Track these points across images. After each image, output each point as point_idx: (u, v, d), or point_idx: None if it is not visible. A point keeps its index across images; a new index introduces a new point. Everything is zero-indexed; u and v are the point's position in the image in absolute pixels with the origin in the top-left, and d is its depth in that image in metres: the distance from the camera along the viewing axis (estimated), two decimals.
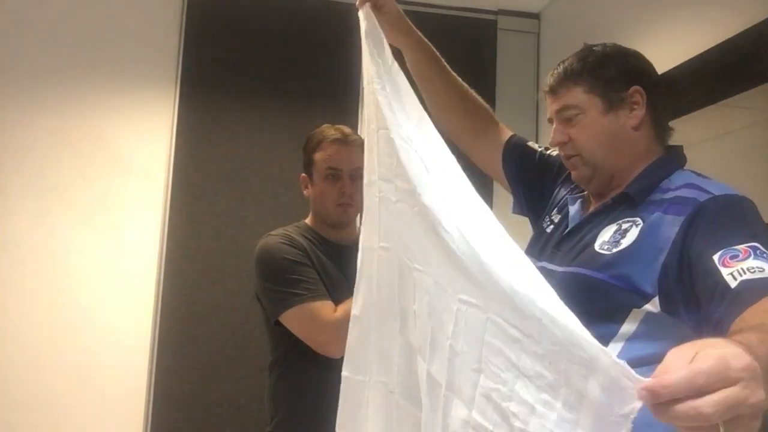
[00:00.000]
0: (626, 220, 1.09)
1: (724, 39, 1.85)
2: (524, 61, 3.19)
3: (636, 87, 1.14)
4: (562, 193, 1.33)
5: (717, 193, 1.02)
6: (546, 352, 0.70)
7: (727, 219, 0.97)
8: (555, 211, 1.30)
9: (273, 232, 1.72)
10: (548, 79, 1.21)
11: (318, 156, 1.72)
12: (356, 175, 1.71)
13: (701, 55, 1.95)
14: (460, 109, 1.46)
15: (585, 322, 0.98)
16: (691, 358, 0.57)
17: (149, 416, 2.72)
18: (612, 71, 1.16)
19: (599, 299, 1.02)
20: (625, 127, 1.14)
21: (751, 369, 0.56)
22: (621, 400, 0.61)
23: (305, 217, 1.83)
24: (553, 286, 1.04)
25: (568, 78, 1.17)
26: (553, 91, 1.19)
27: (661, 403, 0.55)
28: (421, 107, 1.06)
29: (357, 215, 1.80)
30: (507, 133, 1.49)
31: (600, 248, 1.09)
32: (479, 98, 1.50)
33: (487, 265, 0.80)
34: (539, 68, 3.18)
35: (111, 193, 2.81)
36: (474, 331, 0.83)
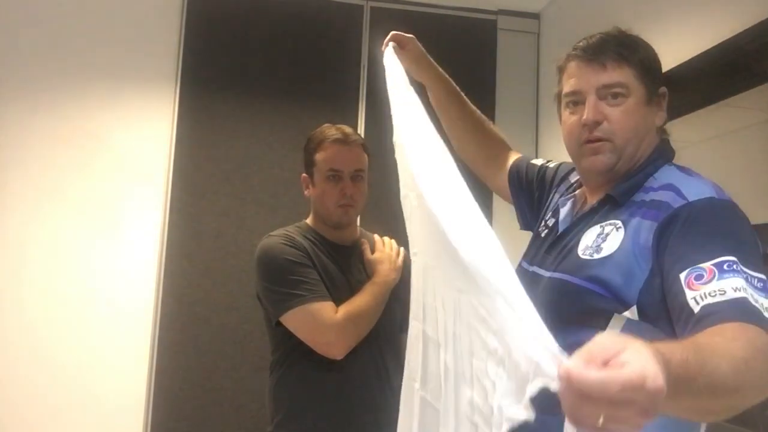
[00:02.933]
0: (609, 222, 1.08)
1: (724, 39, 1.85)
2: (524, 61, 3.19)
3: (664, 89, 1.13)
4: (556, 197, 1.33)
5: (691, 198, 0.99)
6: (498, 327, 0.76)
7: (697, 231, 0.95)
8: (550, 215, 1.30)
9: (274, 233, 1.72)
10: (593, 47, 1.12)
11: (319, 156, 1.71)
12: (357, 176, 1.71)
13: (701, 55, 1.95)
14: (475, 139, 1.53)
15: (567, 327, 0.97)
16: (615, 353, 0.59)
17: (149, 416, 2.72)
18: (656, 65, 1.14)
19: (580, 305, 1.03)
20: (652, 124, 1.13)
21: (658, 394, 0.57)
22: (535, 377, 0.66)
23: (305, 217, 1.82)
24: (540, 291, 1.05)
25: (623, 56, 1.09)
26: (602, 63, 1.09)
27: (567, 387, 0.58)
28: (428, 122, 1.10)
29: (357, 216, 1.80)
30: (515, 157, 1.52)
31: (583, 253, 1.08)
32: (494, 129, 1.57)
33: (464, 250, 0.85)
34: (539, 68, 3.18)
35: (111, 193, 2.81)
36: (465, 317, 0.88)
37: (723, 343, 0.78)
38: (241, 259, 2.80)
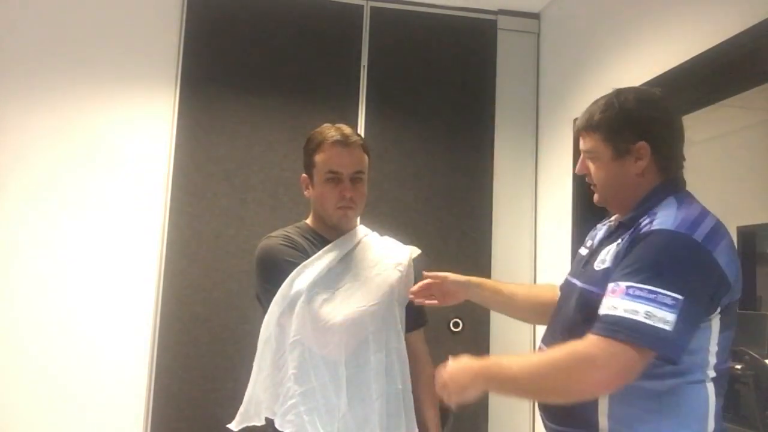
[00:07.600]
0: (617, 242, 1.34)
1: (724, 39, 1.85)
2: (524, 61, 3.19)
3: (642, 143, 1.32)
4: (598, 225, 1.59)
5: (655, 227, 1.21)
6: None
7: (638, 254, 1.21)
8: (589, 239, 1.56)
9: (273, 234, 1.71)
10: (579, 120, 1.44)
11: (318, 158, 1.70)
12: (357, 178, 1.70)
13: (701, 55, 1.95)
14: (530, 311, 1.73)
15: (586, 326, 1.24)
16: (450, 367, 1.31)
17: (149, 416, 2.72)
18: (624, 126, 1.35)
19: (591, 308, 1.25)
20: (629, 173, 1.35)
21: (452, 383, 1.29)
22: None
23: (305, 217, 1.82)
24: (575, 298, 1.40)
25: (591, 126, 1.39)
26: (580, 133, 1.44)
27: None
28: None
29: (358, 217, 1.80)
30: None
31: (596, 266, 1.35)
32: (542, 289, 1.75)
33: None
34: (539, 68, 3.18)
35: (111, 193, 2.81)
36: None
37: (539, 354, 1.30)
38: (241, 259, 2.81)
